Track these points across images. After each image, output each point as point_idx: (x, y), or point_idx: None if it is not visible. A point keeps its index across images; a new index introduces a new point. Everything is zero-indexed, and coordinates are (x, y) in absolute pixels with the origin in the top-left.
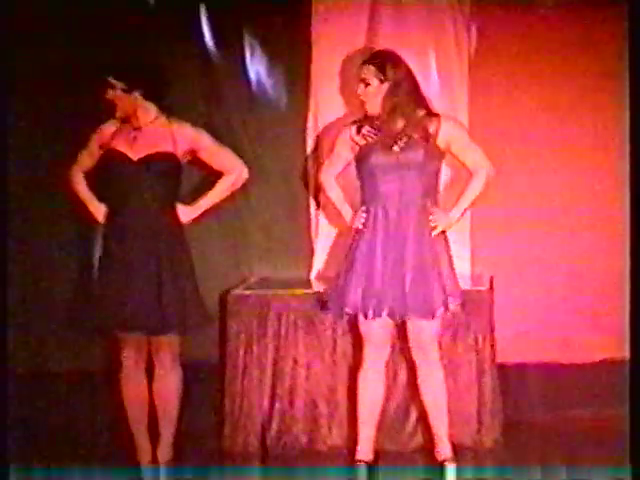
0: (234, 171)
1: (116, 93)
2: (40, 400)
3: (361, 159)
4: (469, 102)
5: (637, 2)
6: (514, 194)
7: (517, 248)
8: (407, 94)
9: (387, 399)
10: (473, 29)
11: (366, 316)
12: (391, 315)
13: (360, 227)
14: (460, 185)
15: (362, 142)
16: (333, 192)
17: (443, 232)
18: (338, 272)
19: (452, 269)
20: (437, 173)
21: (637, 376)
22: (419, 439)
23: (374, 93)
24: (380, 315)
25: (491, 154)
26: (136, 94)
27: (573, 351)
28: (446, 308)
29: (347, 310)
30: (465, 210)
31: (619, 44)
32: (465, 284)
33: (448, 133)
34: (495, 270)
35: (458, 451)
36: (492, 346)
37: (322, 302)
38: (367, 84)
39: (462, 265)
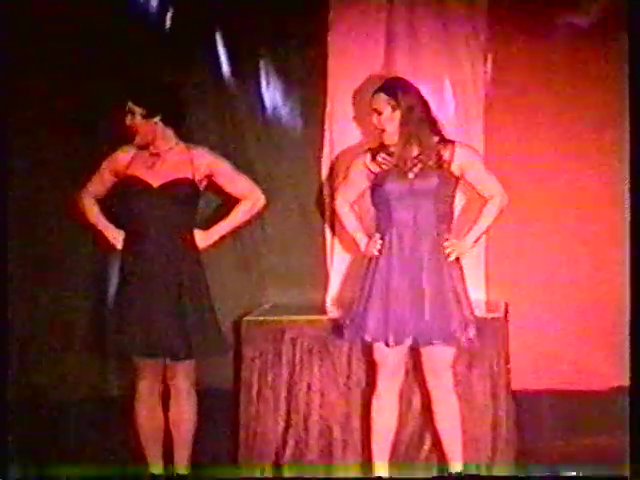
0: (251, 197)
1: (135, 120)
2: (54, 426)
3: (376, 186)
4: (485, 130)
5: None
6: (529, 221)
7: (532, 275)
8: (420, 120)
9: (402, 426)
10: (489, 57)
11: (387, 344)
12: (414, 342)
13: (376, 254)
14: (474, 212)
15: (377, 169)
16: (348, 219)
17: (457, 259)
18: (354, 299)
19: (467, 296)
20: (451, 200)
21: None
22: (433, 465)
23: (388, 121)
24: (402, 343)
25: (506, 181)
26: (156, 119)
27: (587, 378)
28: (467, 334)
29: (366, 338)
30: (479, 237)
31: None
32: (480, 311)
33: (462, 159)
34: (510, 297)
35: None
36: (507, 373)
37: (338, 329)
38: (380, 113)
39: (477, 292)
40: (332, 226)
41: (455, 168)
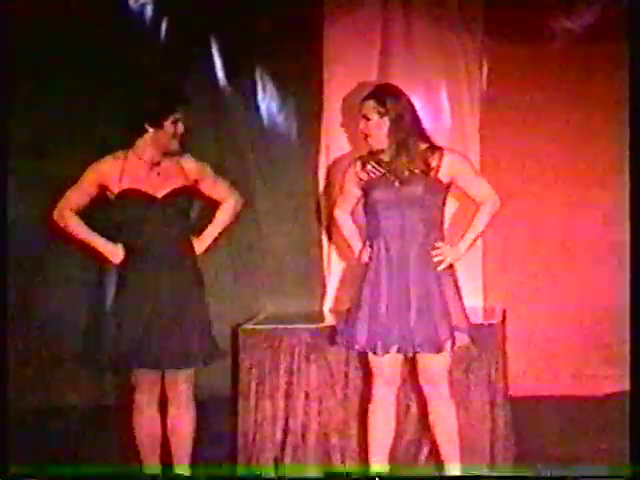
0: (231, 199)
1: (179, 128)
2: (52, 435)
3: (365, 195)
4: (480, 135)
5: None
6: (526, 227)
7: (529, 281)
8: (408, 127)
9: (400, 433)
10: (484, 63)
11: (375, 352)
12: (400, 350)
13: (366, 260)
14: (467, 218)
15: (366, 177)
16: (346, 228)
17: (451, 266)
18: (349, 307)
19: (461, 303)
20: (440, 206)
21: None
22: (432, 472)
23: (375, 127)
24: (388, 351)
25: (502, 186)
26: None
27: (585, 384)
28: (453, 342)
29: (356, 346)
30: (473, 242)
31: (625, 77)
32: (478, 317)
33: (451, 166)
34: (508, 303)
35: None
36: (505, 379)
37: (333, 336)
38: (367, 119)
39: (475, 298)
40: (329, 234)
41: (443, 175)
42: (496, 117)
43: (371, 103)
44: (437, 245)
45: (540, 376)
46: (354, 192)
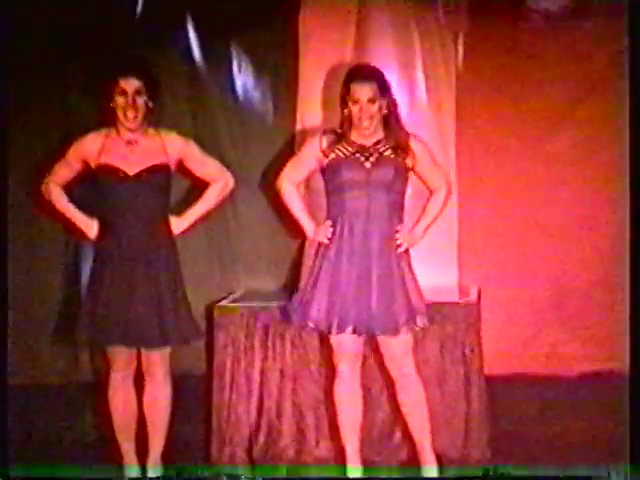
0: (221, 179)
1: (129, 98)
2: (34, 411)
3: (330, 172)
4: (456, 115)
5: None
6: (501, 207)
7: (505, 260)
8: (391, 112)
9: (374, 412)
10: (460, 42)
11: (329, 331)
12: (355, 331)
13: (326, 242)
14: (422, 200)
15: (333, 156)
16: (293, 201)
17: (407, 249)
18: (302, 285)
19: (417, 285)
20: (404, 190)
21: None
22: (406, 452)
23: (365, 110)
24: (344, 331)
25: (478, 166)
26: (145, 98)
27: (560, 363)
28: (411, 324)
29: (310, 324)
30: (427, 228)
31: (608, 55)
32: (453, 296)
33: (416, 151)
34: (483, 282)
35: (445, 464)
36: (480, 358)
37: (286, 313)
38: (356, 101)
39: (450, 277)
40: None
41: (408, 160)
42: (473, 95)
43: (364, 86)
44: (397, 229)
45: (515, 355)
46: (309, 164)
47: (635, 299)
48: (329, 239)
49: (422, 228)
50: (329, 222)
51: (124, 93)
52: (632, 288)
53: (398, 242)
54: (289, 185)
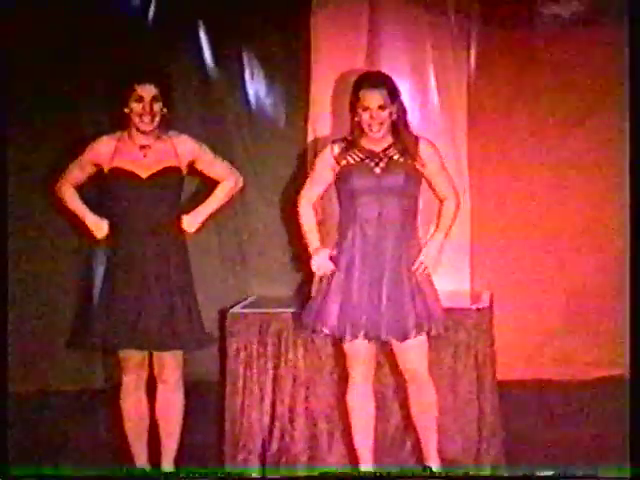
0: (231, 178)
1: (146, 104)
2: (40, 418)
3: (341, 179)
4: (468, 122)
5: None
6: (513, 212)
7: (517, 266)
8: (400, 117)
9: (387, 419)
10: (472, 49)
11: (343, 338)
12: (367, 337)
13: (328, 274)
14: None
15: (343, 162)
16: (306, 221)
17: (419, 251)
18: (315, 292)
19: (434, 291)
20: (417, 195)
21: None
22: (418, 458)
23: (376, 118)
24: (357, 337)
25: (491, 172)
26: (161, 104)
27: (572, 368)
28: (420, 330)
29: (325, 330)
30: (441, 246)
31: (617, 63)
32: (465, 302)
33: (425, 156)
34: (495, 288)
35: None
36: (492, 363)
37: (299, 320)
38: (367, 109)
39: (462, 283)
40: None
41: (420, 164)
42: (484, 102)
43: (375, 93)
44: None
45: (527, 360)
46: (325, 176)
47: (635, 304)
48: (340, 248)
49: (437, 243)
50: (329, 251)
51: (141, 99)
52: (632, 293)
53: (418, 264)
54: (305, 204)
